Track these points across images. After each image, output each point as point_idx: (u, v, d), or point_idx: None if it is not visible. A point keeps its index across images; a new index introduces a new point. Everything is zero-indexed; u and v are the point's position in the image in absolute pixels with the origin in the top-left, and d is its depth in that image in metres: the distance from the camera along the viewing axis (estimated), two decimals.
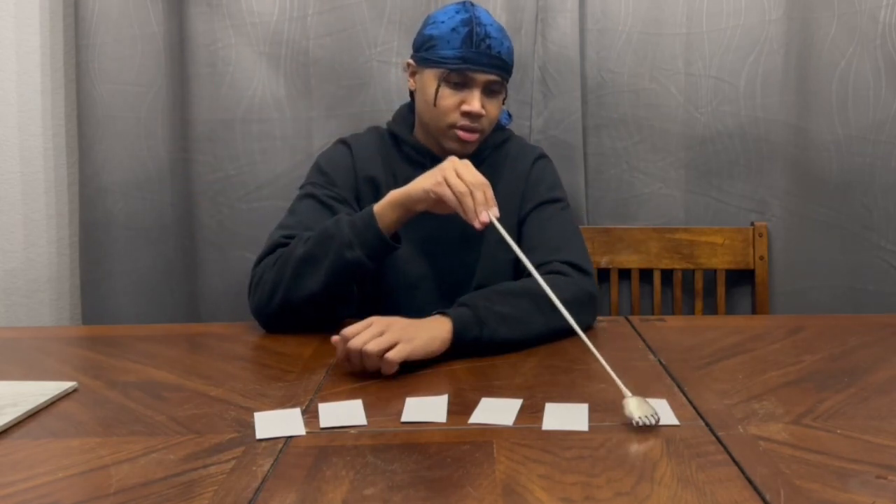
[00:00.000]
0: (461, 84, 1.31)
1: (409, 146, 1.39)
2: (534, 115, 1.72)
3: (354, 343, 1.00)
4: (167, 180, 1.72)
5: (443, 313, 1.10)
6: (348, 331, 1.02)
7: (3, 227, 1.76)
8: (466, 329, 1.09)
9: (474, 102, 1.30)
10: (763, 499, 0.68)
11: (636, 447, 0.79)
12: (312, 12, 1.68)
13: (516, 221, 1.39)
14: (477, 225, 1.08)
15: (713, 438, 0.81)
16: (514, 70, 1.70)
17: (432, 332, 1.07)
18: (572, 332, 1.01)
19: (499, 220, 1.11)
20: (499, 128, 1.45)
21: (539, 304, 1.14)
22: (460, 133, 1.32)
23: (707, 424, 0.84)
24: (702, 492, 0.69)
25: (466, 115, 1.31)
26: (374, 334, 1.01)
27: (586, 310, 1.23)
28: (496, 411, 0.88)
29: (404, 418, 0.87)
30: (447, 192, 1.11)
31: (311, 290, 1.20)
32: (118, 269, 1.71)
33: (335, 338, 1.04)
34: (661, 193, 1.76)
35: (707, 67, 1.71)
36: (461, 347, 1.08)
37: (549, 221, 1.36)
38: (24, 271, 1.78)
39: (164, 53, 1.70)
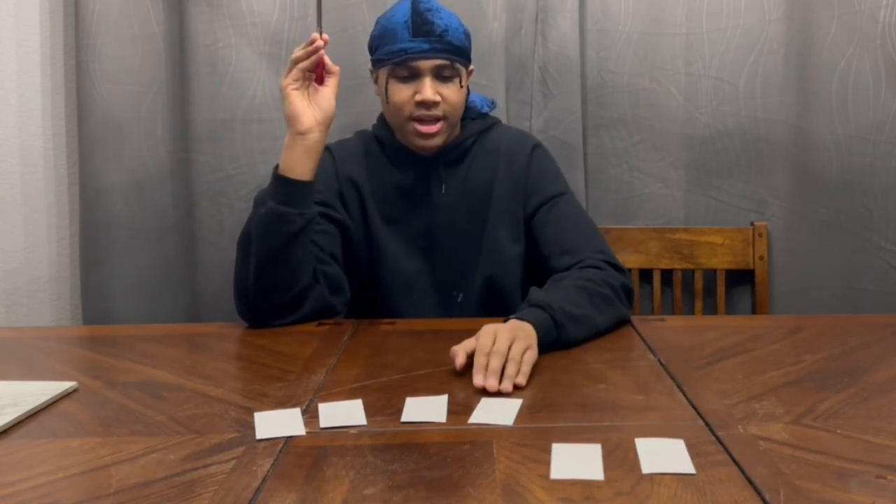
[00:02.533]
0: (410, 76, 1.31)
1: (391, 147, 1.40)
2: (534, 115, 1.72)
3: (499, 347, 0.96)
4: (167, 180, 1.72)
5: (520, 317, 1.08)
6: (482, 345, 0.98)
7: (3, 227, 1.76)
8: (547, 333, 1.08)
9: (425, 91, 1.29)
10: (763, 499, 0.68)
11: (636, 447, 0.78)
12: (312, 12, 1.68)
13: (522, 217, 1.40)
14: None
15: (713, 438, 0.81)
16: (514, 70, 1.72)
17: (534, 335, 1.05)
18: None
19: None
20: (480, 115, 1.45)
21: (595, 301, 1.17)
22: (417, 126, 1.31)
23: (707, 424, 0.84)
24: (702, 492, 0.69)
25: (420, 104, 1.30)
26: (508, 340, 0.98)
27: (625, 302, 1.25)
28: (496, 411, 0.88)
29: (404, 418, 0.87)
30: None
31: (254, 262, 1.22)
32: (118, 269, 1.71)
33: (459, 357, 1.00)
34: (661, 193, 1.76)
35: (707, 67, 1.71)
36: (542, 349, 1.06)
37: (562, 220, 1.36)
38: (25, 271, 1.78)
39: (164, 53, 1.70)
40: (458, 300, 1.40)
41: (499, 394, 0.93)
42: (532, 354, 1.01)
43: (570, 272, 1.26)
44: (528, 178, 1.40)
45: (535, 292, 1.17)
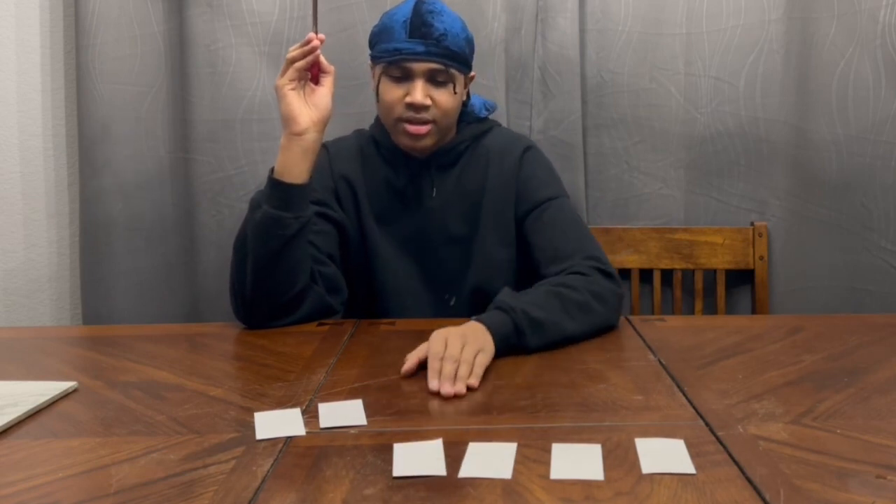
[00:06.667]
0: (402, 77, 1.30)
1: (386, 148, 1.39)
2: (534, 115, 1.72)
3: (452, 352, 0.98)
4: (167, 180, 1.72)
5: (480, 320, 1.09)
6: (435, 350, 1.00)
7: (3, 227, 1.76)
8: (507, 338, 1.08)
9: (415, 93, 1.28)
10: (763, 499, 0.68)
11: (636, 447, 0.78)
12: (311, 12, 1.68)
13: (513, 221, 1.39)
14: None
15: (713, 438, 0.81)
16: (514, 70, 1.72)
17: (488, 338, 1.06)
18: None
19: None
20: (477, 119, 1.44)
21: (568, 307, 1.15)
22: (407, 126, 1.31)
23: (707, 424, 0.84)
24: (701, 491, 0.69)
25: (410, 106, 1.29)
26: (459, 345, 1.00)
27: (610, 309, 1.22)
28: (490, 460, 0.77)
29: (396, 472, 0.74)
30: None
31: (251, 265, 1.22)
32: (118, 269, 1.71)
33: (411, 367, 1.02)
34: (661, 193, 1.76)
35: (707, 67, 1.71)
36: (501, 353, 1.08)
37: (553, 226, 1.34)
38: (25, 271, 1.78)
39: (164, 53, 1.70)
40: (451, 304, 1.40)
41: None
42: (484, 357, 1.02)
43: (551, 277, 1.24)
44: (518, 181, 1.38)
45: (503, 294, 1.16)
